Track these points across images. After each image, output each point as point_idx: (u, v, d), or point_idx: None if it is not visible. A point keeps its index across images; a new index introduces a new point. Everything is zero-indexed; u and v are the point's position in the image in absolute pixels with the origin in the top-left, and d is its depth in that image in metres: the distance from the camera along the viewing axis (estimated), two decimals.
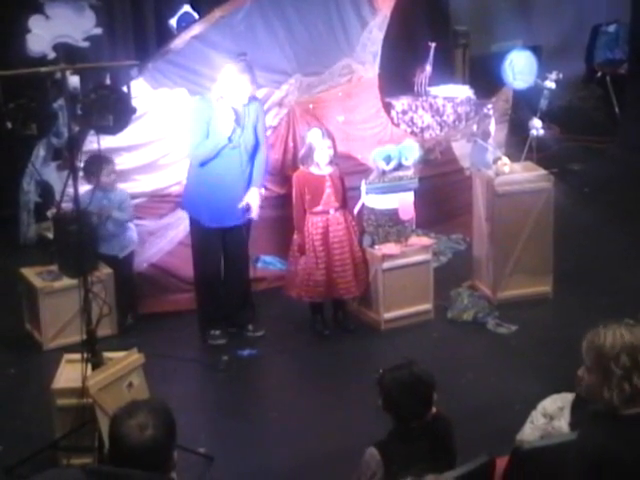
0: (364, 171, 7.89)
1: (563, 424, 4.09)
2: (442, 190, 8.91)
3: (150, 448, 3.24)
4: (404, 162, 7.49)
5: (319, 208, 7.11)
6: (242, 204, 6.98)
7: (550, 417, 4.17)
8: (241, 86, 6.87)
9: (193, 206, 7.09)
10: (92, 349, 5.60)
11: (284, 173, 8.22)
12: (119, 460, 3.27)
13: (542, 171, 7.76)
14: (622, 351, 3.46)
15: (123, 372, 5.41)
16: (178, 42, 7.82)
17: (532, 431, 4.20)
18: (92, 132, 6.63)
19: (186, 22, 8.82)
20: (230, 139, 6.87)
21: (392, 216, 7.42)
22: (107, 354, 5.75)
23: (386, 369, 4.28)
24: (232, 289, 7.29)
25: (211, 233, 7.04)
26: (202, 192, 6.96)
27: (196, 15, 9.00)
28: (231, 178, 6.94)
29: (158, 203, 7.79)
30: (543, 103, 7.83)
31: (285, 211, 7.83)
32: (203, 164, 6.91)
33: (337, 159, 7.21)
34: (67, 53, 6.56)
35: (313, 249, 7.12)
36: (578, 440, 3.58)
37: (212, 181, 6.92)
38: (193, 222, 7.14)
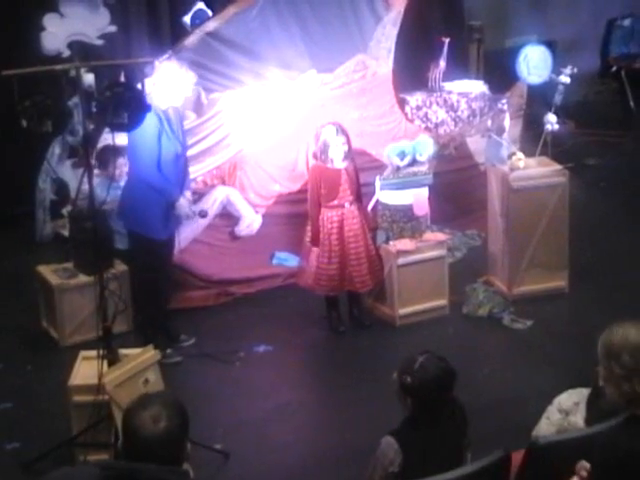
0: (378, 167, 7.89)
1: (579, 419, 4.09)
2: (457, 186, 8.89)
3: (164, 440, 3.25)
4: (418, 158, 7.49)
5: (335, 202, 7.11)
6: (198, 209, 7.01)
7: (566, 412, 4.16)
8: (184, 82, 6.78)
9: (143, 221, 6.68)
10: (108, 346, 5.63)
11: (298, 170, 8.23)
12: (133, 453, 3.28)
13: (557, 166, 7.74)
14: (625, 350, 3.39)
15: (139, 368, 5.43)
16: (192, 39, 7.84)
17: (548, 427, 4.20)
18: (107, 129, 6.65)
19: (200, 19, 8.84)
20: (177, 155, 6.71)
21: (407, 212, 7.41)
22: (123, 351, 5.78)
23: (410, 367, 4.21)
24: (166, 298, 7.17)
25: (162, 244, 6.80)
26: (152, 205, 6.62)
27: (210, 12, 9.01)
28: (174, 185, 6.76)
29: None
30: (558, 98, 7.79)
31: (299, 207, 7.83)
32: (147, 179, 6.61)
33: (352, 154, 7.20)
34: (82, 51, 6.59)
35: (329, 243, 7.13)
36: (596, 436, 3.57)
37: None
38: (139, 240, 6.76)
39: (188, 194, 6.90)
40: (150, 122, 6.31)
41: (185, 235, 7.49)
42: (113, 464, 3.46)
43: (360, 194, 7.29)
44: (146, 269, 6.83)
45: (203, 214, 7.14)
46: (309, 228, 7.23)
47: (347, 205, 7.13)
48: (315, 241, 7.17)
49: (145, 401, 3.38)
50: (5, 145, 8.68)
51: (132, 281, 7.07)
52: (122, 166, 7.34)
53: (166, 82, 6.64)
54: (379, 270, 7.34)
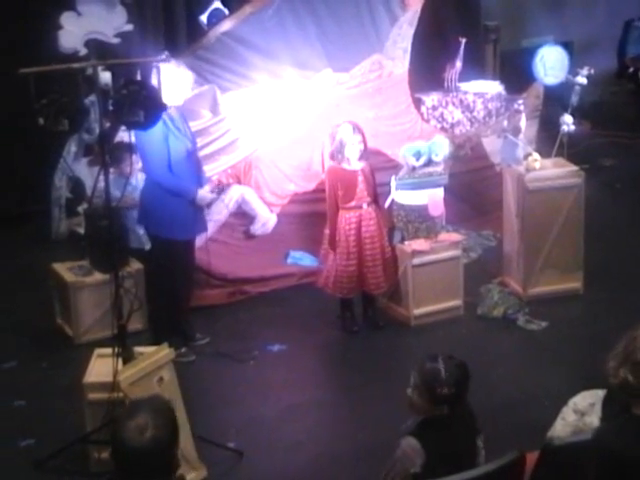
0: (394, 167, 7.89)
1: (594, 420, 4.07)
2: (472, 186, 8.89)
3: (152, 449, 3.20)
4: (434, 158, 7.47)
5: (352, 203, 7.09)
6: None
7: (581, 413, 4.15)
8: (183, 82, 6.79)
9: (161, 224, 6.66)
10: (123, 344, 5.63)
11: (313, 169, 8.24)
12: (122, 464, 3.24)
13: (573, 167, 7.72)
14: (626, 336, 3.54)
15: (154, 367, 5.43)
16: (208, 38, 7.85)
17: (563, 427, 4.19)
18: (123, 127, 6.66)
19: (216, 18, 8.85)
20: (189, 151, 6.69)
21: (422, 212, 7.40)
22: (138, 349, 5.78)
23: (439, 378, 4.19)
24: (187, 299, 7.12)
25: (182, 245, 6.77)
26: (169, 206, 6.59)
27: (226, 11, 9.03)
28: (190, 182, 6.74)
29: None
30: (574, 99, 7.76)
31: (314, 206, 7.84)
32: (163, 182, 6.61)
33: (367, 154, 7.19)
34: (98, 49, 6.58)
35: (346, 244, 7.10)
36: (601, 437, 3.58)
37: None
38: (160, 243, 6.74)
39: (207, 187, 6.90)
40: (155, 126, 6.34)
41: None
42: None
43: (376, 195, 7.28)
44: (164, 272, 6.79)
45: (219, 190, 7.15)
46: (327, 232, 7.22)
47: (365, 206, 7.11)
48: (332, 244, 7.15)
49: (132, 410, 3.32)
50: (21, 143, 8.71)
51: (148, 282, 7.07)
52: (134, 163, 7.35)
53: (166, 83, 6.64)
54: (393, 273, 7.33)
